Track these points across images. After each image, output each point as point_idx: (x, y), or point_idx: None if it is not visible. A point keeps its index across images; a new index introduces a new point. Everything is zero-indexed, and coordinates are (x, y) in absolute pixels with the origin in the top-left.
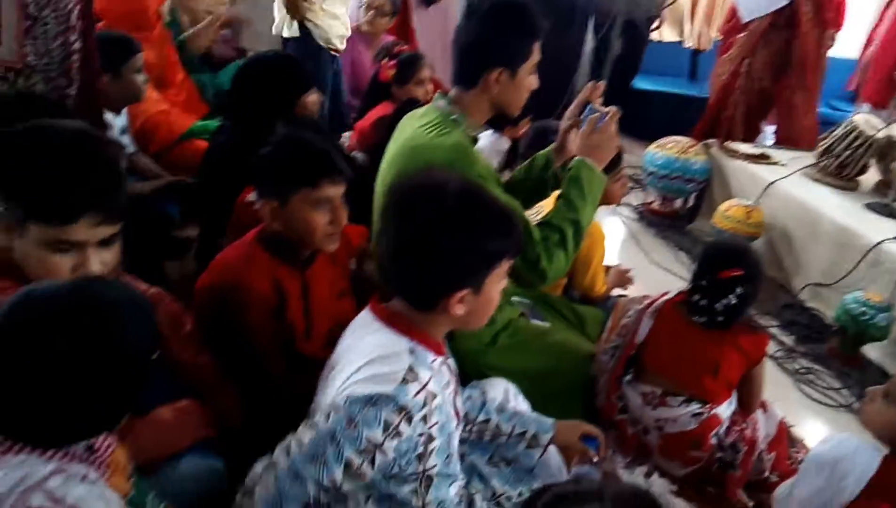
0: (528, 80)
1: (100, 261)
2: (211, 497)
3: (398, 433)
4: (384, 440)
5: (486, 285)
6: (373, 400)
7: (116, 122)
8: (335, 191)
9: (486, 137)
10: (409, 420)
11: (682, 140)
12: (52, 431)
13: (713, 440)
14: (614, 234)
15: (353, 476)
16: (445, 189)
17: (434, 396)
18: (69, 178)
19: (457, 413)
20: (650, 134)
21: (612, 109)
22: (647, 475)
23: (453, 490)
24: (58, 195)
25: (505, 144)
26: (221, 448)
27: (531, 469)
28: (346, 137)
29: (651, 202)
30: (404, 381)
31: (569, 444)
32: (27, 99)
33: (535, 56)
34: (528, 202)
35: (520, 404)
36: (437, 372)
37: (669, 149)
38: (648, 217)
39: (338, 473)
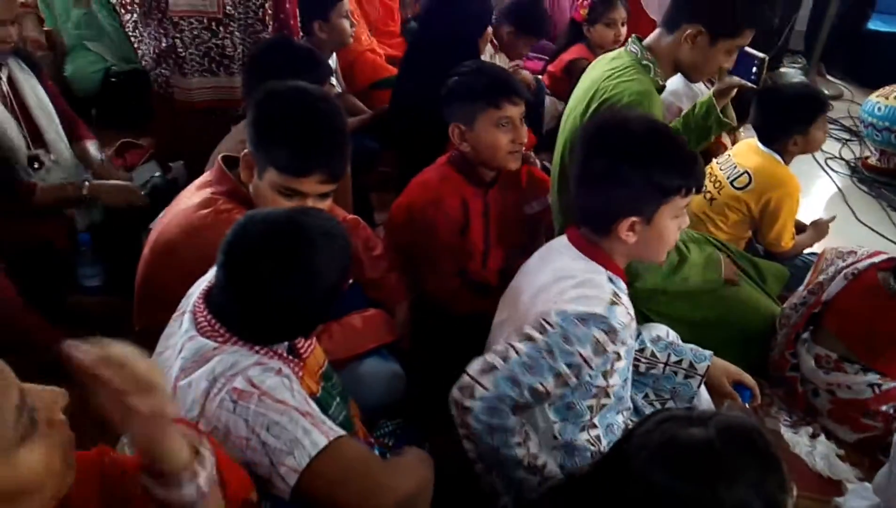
0: (723, 56)
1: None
2: (392, 397)
3: (605, 351)
4: (593, 355)
5: (658, 217)
6: (585, 319)
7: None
8: (515, 111)
9: (678, 80)
10: (615, 340)
11: None
12: (259, 330)
13: (890, 411)
14: (820, 189)
15: (561, 385)
16: (632, 123)
17: (632, 319)
18: (309, 141)
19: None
20: (880, 81)
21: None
22: (813, 436)
23: (620, 418)
24: (298, 154)
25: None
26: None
27: (690, 399)
28: None
29: (867, 157)
30: (612, 303)
31: (719, 386)
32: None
33: (742, 40)
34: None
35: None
36: (627, 301)
37: (893, 98)
38: (862, 173)
39: (550, 381)
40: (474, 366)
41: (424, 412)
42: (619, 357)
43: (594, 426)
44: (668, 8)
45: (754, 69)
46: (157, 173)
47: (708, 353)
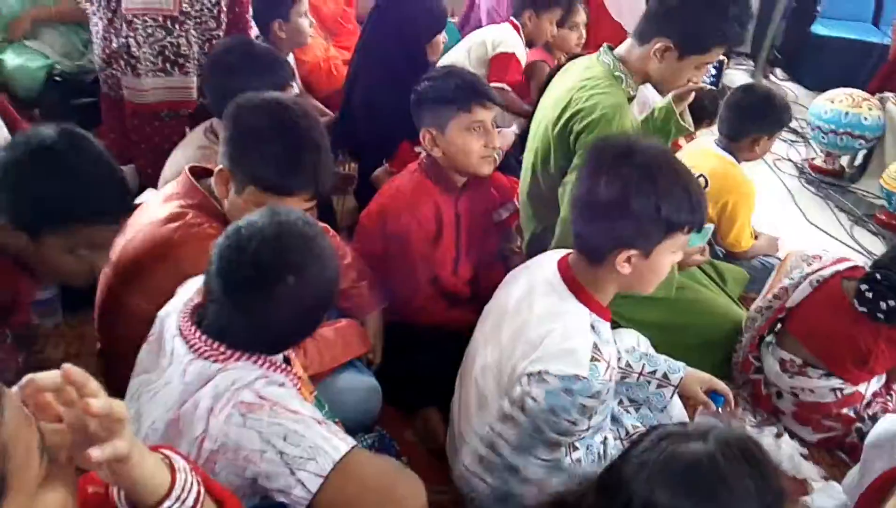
0: (692, 71)
1: None
2: (369, 411)
3: (594, 414)
4: (580, 417)
5: (657, 251)
6: (569, 389)
7: None
8: (486, 115)
9: (648, 88)
10: (603, 401)
11: (856, 93)
12: (263, 342)
13: (850, 413)
14: (770, 190)
15: (555, 450)
16: (645, 153)
17: (613, 369)
18: (294, 162)
19: None
20: (824, 84)
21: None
22: (778, 436)
23: (598, 438)
24: (284, 175)
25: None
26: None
27: (662, 409)
28: None
29: (814, 159)
30: (594, 360)
31: (694, 394)
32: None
33: (711, 58)
34: None
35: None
36: (609, 338)
37: (840, 103)
38: (809, 174)
39: (545, 451)
40: (466, 459)
41: (397, 425)
42: (602, 401)
43: (575, 448)
44: (641, 20)
45: (713, 71)
46: None
47: (681, 365)
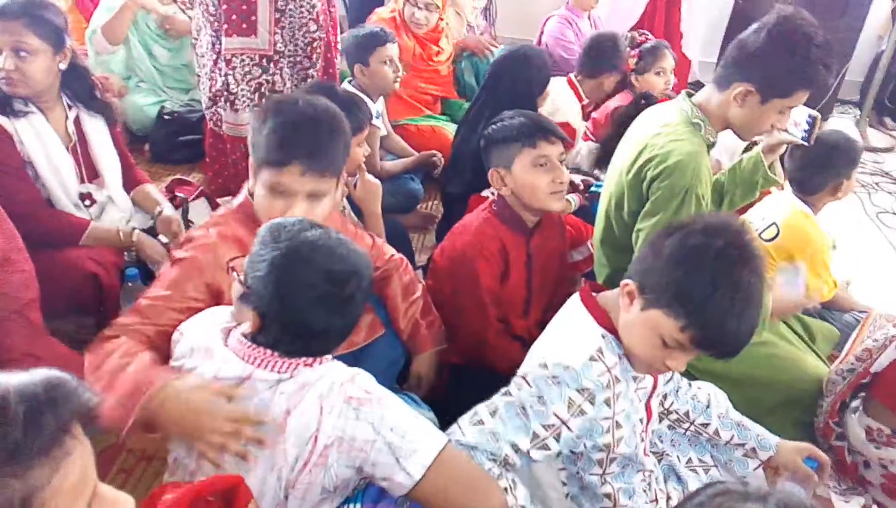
0: (775, 116)
1: (305, 212)
2: None
3: (582, 412)
4: (569, 417)
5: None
6: (557, 377)
7: (373, 107)
8: (552, 150)
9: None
10: (592, 401)
11: None
12: (331, 344)
13: None
14: (871, 244)
15: (539, 447)
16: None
17: (618, 381)
18: (287, 130)
19: (649, 410)
20: None
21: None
22: None
23: (639, 478)
24: (276, 143)
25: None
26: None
27: (741, 477)
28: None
29: None
30: (592, 359)
31: (794, 465)
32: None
33: (795, 101)
34: (735, 204)
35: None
36: (627, 364)
37: None
38: None
39: (525, 441)
40: (463, 418)
41: None
42: (617, 425)
43: (606, 482)
44: (720, 65)
45: (806, 126)
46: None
47: (774, 441)
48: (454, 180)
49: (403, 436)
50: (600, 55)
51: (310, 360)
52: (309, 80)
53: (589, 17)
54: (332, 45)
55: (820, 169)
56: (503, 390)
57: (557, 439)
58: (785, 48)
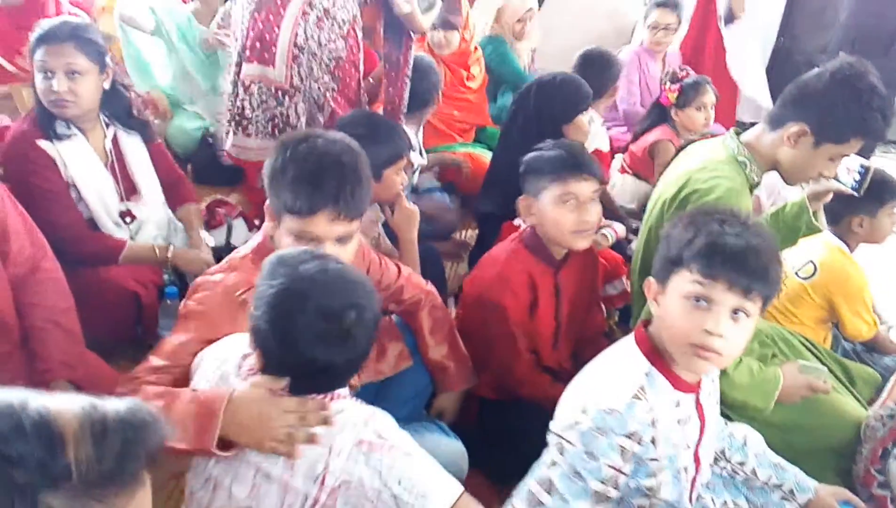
0: (825, 163)
1: (334, 253)
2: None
3: (634, 454)
4: (623, 462)
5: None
6: (602, 428)
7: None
8: (581, 188)
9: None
10: (640, 442)
11: None
12: (342, 379)
13: None
14: None
15: (602, 500)
16: None
17: (658, 420)
18: (313, 178)
19: (697, 459)
20: None
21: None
22: None
23: None
24: (303, 192)
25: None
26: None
27: None
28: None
29: None
30: (635, 398)
31: None
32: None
33: (848, 149)
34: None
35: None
36: (672, 404)
37: None
38: None
39: (588, 505)
40: (519, 495)
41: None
42: (660, 468)
43: None
44: (776, 105)
45: (857, 176)
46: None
47: (812, 484)
48: (486, 200)
49: (411, 489)
50: (601, 70)
51: (319, 397)
52: (319, 116)
53: (663, 61)
54: (351, 87)
55: (838, 198)
56: (546, 458)
57: (616, 487)
58: (848, 94)
